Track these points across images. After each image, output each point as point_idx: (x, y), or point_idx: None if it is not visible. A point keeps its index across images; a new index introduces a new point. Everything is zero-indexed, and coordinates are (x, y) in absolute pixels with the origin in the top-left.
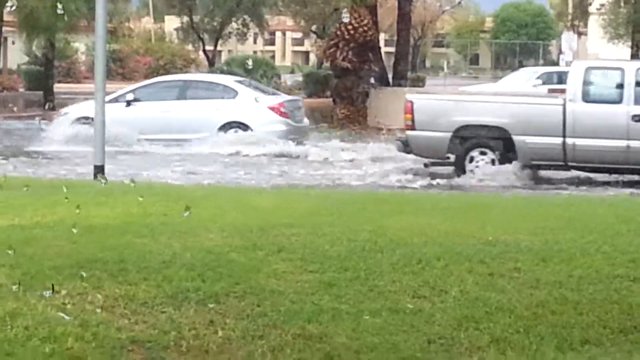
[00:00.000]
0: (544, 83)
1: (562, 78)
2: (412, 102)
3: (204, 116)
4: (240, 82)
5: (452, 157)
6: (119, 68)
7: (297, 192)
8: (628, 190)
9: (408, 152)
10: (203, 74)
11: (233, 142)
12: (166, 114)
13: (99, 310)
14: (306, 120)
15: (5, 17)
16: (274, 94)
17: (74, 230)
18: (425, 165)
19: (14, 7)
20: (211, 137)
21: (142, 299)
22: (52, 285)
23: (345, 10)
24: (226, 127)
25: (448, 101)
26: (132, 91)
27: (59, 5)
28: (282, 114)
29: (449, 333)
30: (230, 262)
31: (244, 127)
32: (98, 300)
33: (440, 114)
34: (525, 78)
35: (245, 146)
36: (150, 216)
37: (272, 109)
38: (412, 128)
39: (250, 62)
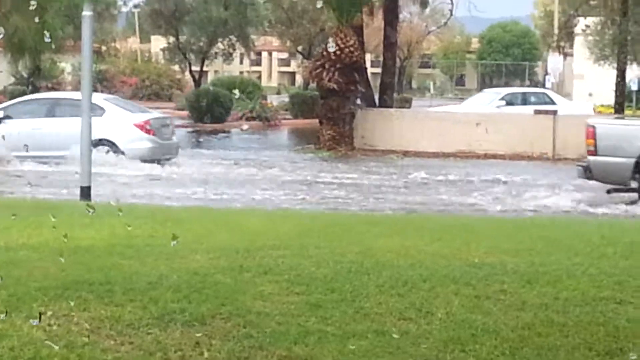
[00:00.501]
0: (507, 104)
1: (525, 98)
2: (594, 127)
3: (72, 133)
4: (107, 99)
5: (636, 184)
6: (105, 88)
7: (283, 213)
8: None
9: (589, 178)
10: (72, 92)
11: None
12: (36, 132)
13: (84, 332)
14: (175, 138)
15: None
16: (141, 111)
17: (62, 260)
18: (608, 191)
19: (1, 35)
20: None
21: (128, 320)
22: (40, 313)
23: (331, 39)
24: (94, 144)
25: (632, 126)
26: (3, 109)
27: (47, 33)
28: (147, 131)
29: (435, 355)
30: (216, 283)
31: (111, 144)
32: (84, 321)
33: (623, 139)
34: (489, 99)
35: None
36: (136, 238)
37: (138, 126)
38: (594, 154)
39: (237, 92)
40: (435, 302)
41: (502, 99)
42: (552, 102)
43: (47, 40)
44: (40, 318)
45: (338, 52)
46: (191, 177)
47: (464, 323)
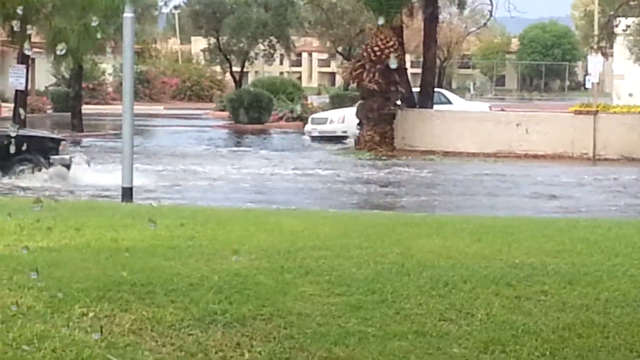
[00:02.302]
0: None
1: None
2: None
3: None
4: None
5: None
6: (146, 89)
7: (324, 214)
8: None
9: None
10: None
11: None
12: None
13: (126, 333)
14: None
15: (32, 39)
16: None
17: (126, 255)
18: None
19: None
20: None
21: (169, 321)
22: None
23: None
24: None
25: None
26: None
27: (93, 34)
28: None
29: (476, 356)
30: (257, 284)
31: None
32: (125, 322)
33: None
34: None
35: None
36: (178, 239)
37: None
38: None
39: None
40: (476, 303)
41: None
42: (449, 102)
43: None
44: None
45: (378, 53)
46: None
47: (504, 324)
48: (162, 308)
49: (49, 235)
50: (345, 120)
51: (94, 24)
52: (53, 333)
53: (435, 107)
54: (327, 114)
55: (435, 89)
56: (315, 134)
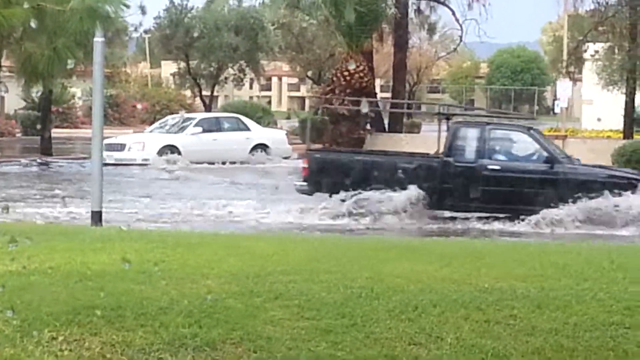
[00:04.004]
0: (204, 130)
1: (219, 124)
2: None
3: None
4: None
5: None
6: (115, 113)
7: (294, 238)
8: None
9: None
10: None
11: None
12: None
13: (96, 357)
14: None
15: (2, 63)
16: None
17: (96, 279)
18: None
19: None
20: None
21: (139, 345)
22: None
23: (352, 60)
24: None
25: None
26: None
27: (63, 58)
28: None
29: None
30: (227, 308)
31: None
32: (95, 346)
33: None
34: (185, 125)
35: None
36: (148, 263)
37: None
38: None
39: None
40: (445, 327)
41: (197, 124)
42: (247, 128)
43: (69, 66)
44: None
45: (348, 77)
46: None
47: (474, 348)
48: (132, 332)
49: (19, 259)
50: (145, 147)
51: (70, 64)
52: (23, 357)
53: (233, 133)
54: (124, 139)
55: (233, 115)
56: (111, 161)
